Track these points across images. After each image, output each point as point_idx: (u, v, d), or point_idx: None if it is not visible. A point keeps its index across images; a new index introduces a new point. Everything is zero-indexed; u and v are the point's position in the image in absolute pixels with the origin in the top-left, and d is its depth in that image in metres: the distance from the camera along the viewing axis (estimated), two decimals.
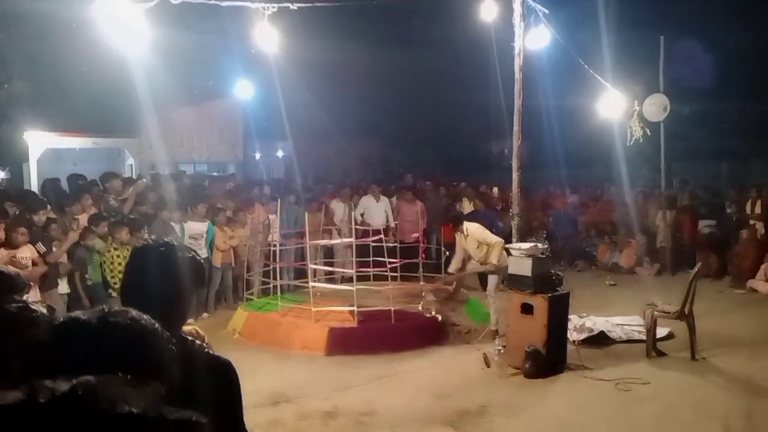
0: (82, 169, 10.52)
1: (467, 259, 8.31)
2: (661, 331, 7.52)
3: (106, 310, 1.20)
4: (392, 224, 11.31)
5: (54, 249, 6.98)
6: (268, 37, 7.30)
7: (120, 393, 0.83)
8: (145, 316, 1.23)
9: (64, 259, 7.14)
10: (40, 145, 14.71)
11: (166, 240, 2.12)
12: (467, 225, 8.23)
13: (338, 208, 11.71)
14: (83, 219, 7.87)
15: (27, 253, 6.65)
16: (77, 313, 1.20)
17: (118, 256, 7.35)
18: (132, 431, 0.80)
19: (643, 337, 7.33)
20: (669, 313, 7.18)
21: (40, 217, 7.32)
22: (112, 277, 7.30)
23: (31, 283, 6.51)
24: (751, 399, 5.91)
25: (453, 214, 9.27)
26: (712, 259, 11.49)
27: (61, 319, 1.19)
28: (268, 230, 9.97)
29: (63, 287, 7.23)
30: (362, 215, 11.57)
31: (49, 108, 14.03)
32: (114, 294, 7.16)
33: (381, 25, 15.82)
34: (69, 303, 7.27)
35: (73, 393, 0.81)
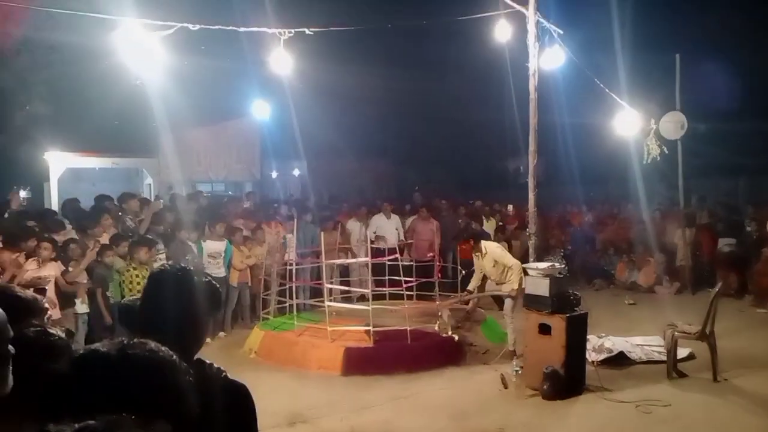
0: (101, 189, 10.65)
1: (486, 278, 8.29)
2: (682, 352, 7.42)
3: (125, 342, 1.21)
4: (402, 241, 11.30)
5: (71, 269, 7.06)
6: (283, 62, 7.40)
7: None
8: (163, 348, 1.24)
9: (84, 278, 7.21)
10: (61, 165, 14.93)
11: (182, 265, 2.15)
12: (486, 243, 8.24)
13: (354, 227, 11.74)
14: (104, 239, 7.97)
15: (51, 271, 6.74)
16: (97, 345, 1.21)
17: (137, 276, 7.46)
18: None
19: (664, 358, 7.23)
20: (690, 333, 7.09)
21: (60, 237, 7.44)
22: (132, 296, 7.38)
23: (56, 302, 6.61)
24: None
25: (471, 232, 9.30)
26: (732, 278, 11.34)
27: (81, 351, 1.21)
28: (283, 249, 10.02)
29: (82, 307, 7.27)
30: (374, 233, 11.58)
31: (69, 128, 14.27)
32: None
33: (395, 47, 15.96)
34: (90, 322, 7.34)
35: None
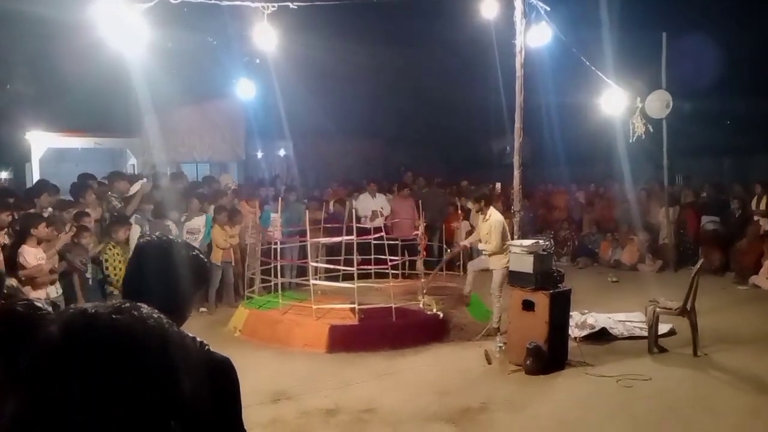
0: (84, 169, 10.51)
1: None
2: (663, 328, 7.51)
3: (117, 304, 1.17)
4: (376, 215, 11.29)
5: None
6: (267, 37, 7.30)
7: None
8: (156, 314, 1.20)
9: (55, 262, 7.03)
10: (42, 145, 14.74)
11: (169, 237, 2.12)
12: (493, 211, 8.17)
13: (340, 208, 11.70)
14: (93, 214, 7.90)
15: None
16: (87, 306, 1.17)
17: (118, 254, 7.42)
18: None
19: (645, 334, 7.31)
20: (671, 309, 7.17)
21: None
22: (115, 275, 7.37)
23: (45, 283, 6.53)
24: (757, 395, 5.89)
25: (483, 194, 9.24)
26: (715, 256, 11.47)
27: (70, 310, 1.16)
28: (260, 227, 9.99)
29: (53, 291, 6.78)
30: (356, 211, 11.54)
31: (50, 108, 14.07)
32: (115, 291, 7.21)
33: (381, 23, 15.79)
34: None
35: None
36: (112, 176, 9.43)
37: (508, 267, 7.45)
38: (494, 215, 8.04)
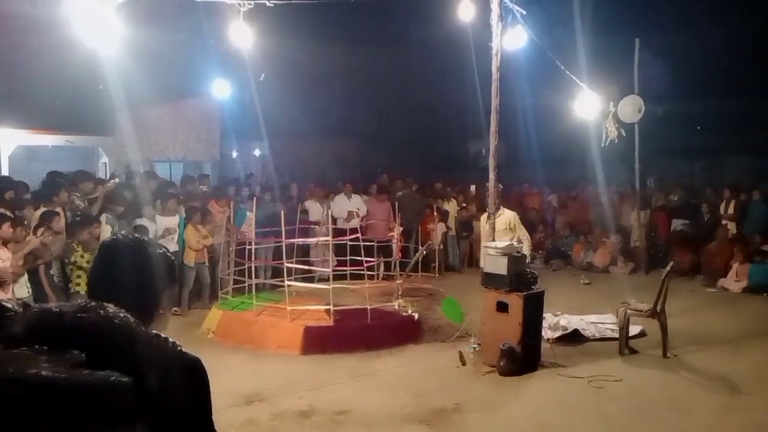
0: (56, 168, 10.33)
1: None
2: (634, 329, 7.62)
3: (82, 303, 1.15)
4: (362, 221, 11.29)
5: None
6: (243, 35, 7.25)
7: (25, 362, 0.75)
8: (122, 313, 1.18)
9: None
10: (11, 142, 14.45)
11: (136, 235, 2.09)
12: (504, 209, 8.04)
13: (314, 207, 11.68)
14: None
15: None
16: (51, 305, 1.15)
17: (83, 258, 7.29)
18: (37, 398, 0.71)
19: (617, 335, 7.41)
20: (641, 311, 7.28)
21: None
22: (78, 276, 7.25)
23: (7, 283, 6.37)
24: (727, 395, 6.00)
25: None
26: (684, 258, 11.66)
27: (34, 309, 1.14)
28: (233, 227, 9.92)
29: (21, 290, 6.61)
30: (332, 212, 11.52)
31: (20, 105, 13.77)
32: (79, 290, 7.09)
33: (358, 23, 15.76)
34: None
35: None
36: (77, 176, 9.26)
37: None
38: (507, 211, 8.03)
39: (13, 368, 0.68)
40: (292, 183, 13.79)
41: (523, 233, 7.91)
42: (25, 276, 6.72)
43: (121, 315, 1.15)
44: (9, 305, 2.19)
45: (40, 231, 7.03)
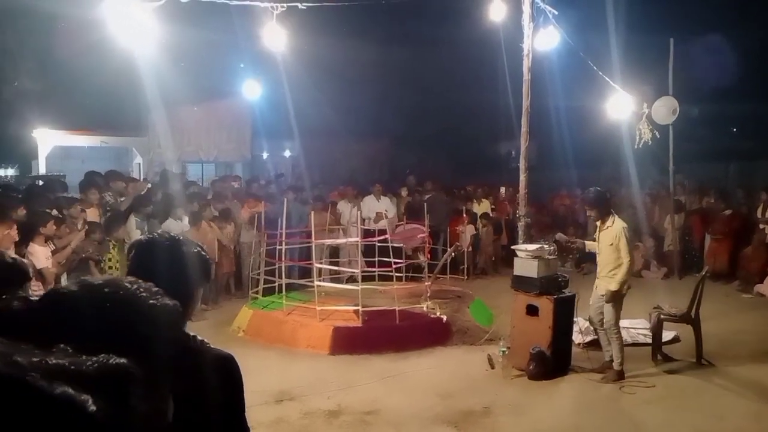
0: (90, 167, 10.57)
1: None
2: (667, 335, 7.48)
3: (101, 280, 1.16)
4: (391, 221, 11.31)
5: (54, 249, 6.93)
6: (276, 37, 7.31)
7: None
8: (144, 285, 1.18)
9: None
10: (49, 142, 14.81)
11: (172, 234, 2.12)
12: (617, 218, 6.62)
13: (345, 208, 11.72)
14: (91, 212, 7.92)
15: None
16: (67, 284, 1.16)
17: (116, 253, 7.50)
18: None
19: (649, 341, 7.29)
20: (675, 316, 7.14)
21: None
22: (114, 273, 7.44)
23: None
24: (760, 402, 5.87)
25: (599, 194, 6.84)
26: (720, 263, 11.42)
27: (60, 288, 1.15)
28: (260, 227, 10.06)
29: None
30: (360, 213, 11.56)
31: (57, 105, 14.13)
32: None
33: (389, 24, 15.81)
34: None
35: None
36: (109, 175, 9.46)
37: (624, 293, 6.42)
38: (618, 223, 6.54)
39: (23, 358, 0.69)
40: (321, 185, 13.86)
41: (626, 256, 6.40)
42: (64, 276, 6.91)
43: (144, 286, 1.16)
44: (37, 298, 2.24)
45: (80, 226, 7.21)
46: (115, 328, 1.01)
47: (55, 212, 7.46)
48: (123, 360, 0.79)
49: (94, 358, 0.75)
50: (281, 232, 8.55)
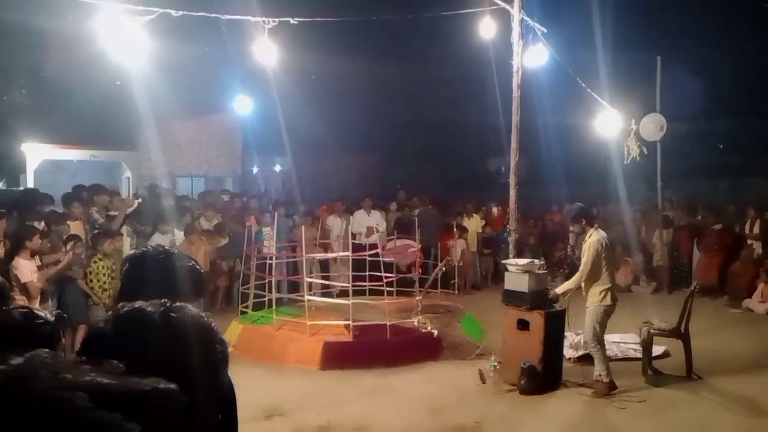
0: (80, 182, 10.50)
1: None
2: (657, 349, 7.50)
3: (167, 304, 1.18)
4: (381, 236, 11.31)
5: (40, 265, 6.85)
6: (268, 52, 7.34)
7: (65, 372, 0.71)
8: (203, 314, 1.22)
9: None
10: (37, 156, 14.74)
11: (165, 248, 2.11)
12: (595, 231, 6.68)
13: (334, 223, 11.71)
14: (75, 226, 7.88)
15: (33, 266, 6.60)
16: (140, 304, 1.18)
17: (103, 267, 7.45)
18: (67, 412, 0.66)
19: (639, 355, 7.30)
20: (665, 330, 7.17)
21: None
22: (100, 287, 7.39)
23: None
24: (750, 417, 5.88)
25: (581, 210, 7.17)
26: (709, 278, 11.49)
27: (125, 308, 1.17)
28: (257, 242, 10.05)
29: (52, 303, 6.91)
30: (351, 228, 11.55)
31: (47, 120, 14.06)
32: (101, 302, 7.24)
33: (380, 40, 15.91)
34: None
35: (9, 374, 0.67)
36: (93, 189, 9.37)
37: (606, 305, 6.45)
38: (594, 236, 6.61)
39: (72, 375, 0.68)
40: (312, 201, 13.85)
41: (585, 265, 6.55)
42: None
43: (204, 315, 1.20)
44: (40, 313, 2.23)
45: (70, 245, 7.16)
46: (170, 354, 1.04)
47: (42, 226, 7.42)
48: (173, 385, 0.79)
49: (146, 381, 0.74)
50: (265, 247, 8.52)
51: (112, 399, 0.66)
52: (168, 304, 1.19)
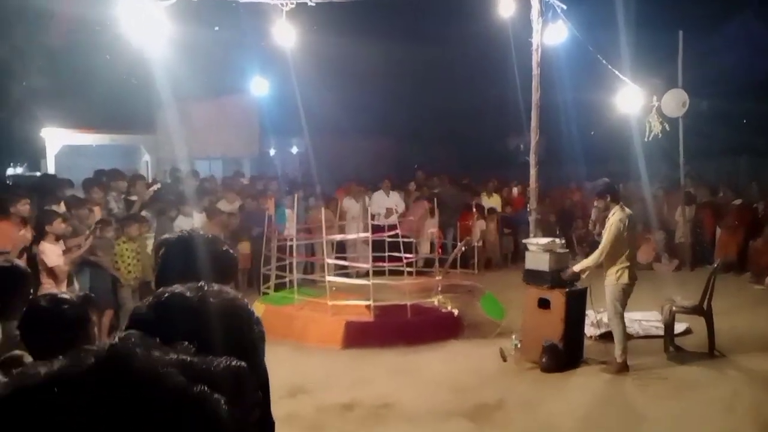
0: (100, 166, 10.61)
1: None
2: (679, 327, 7.48)
3: (205, 287, 1.22)
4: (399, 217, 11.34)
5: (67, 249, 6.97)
6: (286, 34, 7.34)
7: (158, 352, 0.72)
8: (239, 295, 1.26)
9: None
10: (58, 141, 14.89)
11: (198, 232, 2.16)
12: (617, 209, 6.57)
13: (352, 205, 11.74)
14: (97, 212, 8.00)
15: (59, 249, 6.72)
16: (179, 289, 1.21)
17: (128, 249, 7.59)
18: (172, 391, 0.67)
19: (661, 333, 7.29)
20: (687, 308, 7.14)
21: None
22: (126, 269, 7.51)
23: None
24: None
25: (606, 185, 6.91)
26: (730, 255, 11.40)
27: (165, 294, 1.20)
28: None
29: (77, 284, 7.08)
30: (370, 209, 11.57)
31: (66, 104, 14.18)
32: (127, 284, 7.39)
33: (397, 21, 15.80)
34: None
35: (114, 352, 0.69)
36: (111, 174, 9.45)
37: (624, 284, 6.43)
38: (618, 213, 6.54)
39: (160, 354, 0.71)
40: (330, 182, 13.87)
41: (605, 244, 6.48)
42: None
43: (240, 296, 1.27)
44: (66, 296, 2.28)
45: (91, 230, 7.28)
46: (210, 335, 1.07)
47: (63, 209, 7.53)
48: (243, 363, 0.82)
49: (220, 359, 0.77)
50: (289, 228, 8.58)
51: (196, 376, 0.68)
52: (205, 288, 1.22)
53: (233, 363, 0.79)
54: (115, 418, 0.62)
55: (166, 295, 1.21)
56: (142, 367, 0.67)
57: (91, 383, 0.64)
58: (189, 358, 0.72)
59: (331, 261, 8.70)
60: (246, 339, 1.19)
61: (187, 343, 0.76)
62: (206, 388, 0.68)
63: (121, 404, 0.63)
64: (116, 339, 0.72)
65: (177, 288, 1.23)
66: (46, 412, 0.62)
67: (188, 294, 1.20)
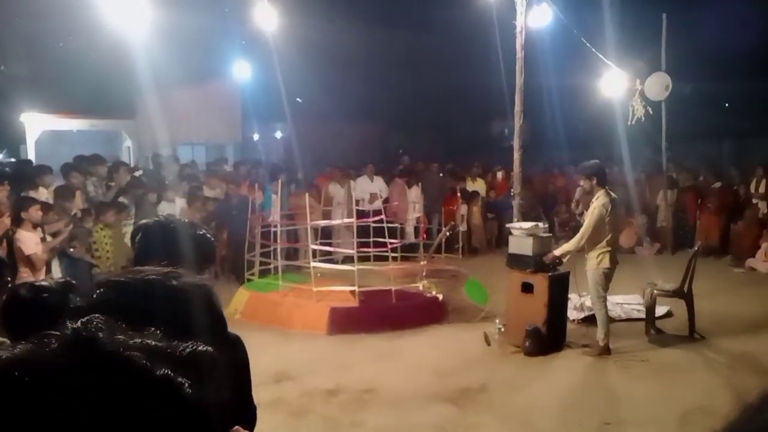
0: (81, 152, 10.46)
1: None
2: (660, 310, 7.56)
3: (168, 270, 1.20)
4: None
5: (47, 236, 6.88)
6: (268, 17, 7.26)
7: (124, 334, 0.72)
8: (203, 279, 1.24)
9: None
10: (38, 126, 14.65)
11: (176, 217, 2.14)
12: (602, 193, 6.52)
13: (336, 190, 11.70)
14: (78, 197, 7.92)
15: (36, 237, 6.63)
16: (142, 271, 1.19)
17: (105, 236, 7.52)
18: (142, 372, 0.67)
19: (643, 316, 7.37)
20: (668, 291, 7.22)
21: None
22: (101, 255, 7.48)
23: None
24: (752, 376, 5.93)
25: (596, 167, 6.73)
26: (712, 238, 11.52)
27: (128, 276, 1.18)
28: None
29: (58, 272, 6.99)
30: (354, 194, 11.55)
31: (46, 89, 13.94)
32: (106, 270, 7.34)
33: (381, 5, 15.69)
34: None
35: (77, 335, 0.68)
36: (91, 160, 9.33)
37: (605, 268, 6.43)
38: (601, 198, 6.50)
39: (124, 338, 0.70)
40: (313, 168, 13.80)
41: (586, 228, 6.46)
42: (55, 262, 6.89)
43: (193, 277, 1.21)
44: (45, 284, 2.25)
45: (68, 219, 7.18)
46: (174, 318, 1.05)
47: (45, 197, 7.43)
48: (209, 348, 0.80)
49: (186, 344, 0.76)
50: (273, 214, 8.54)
51: (161, 360, 0.67)
52: (168, 271, 1.20)
53: (199, 348, 0.77)
54: (78, 401, 0.61)
55: (127, 277, 1.19)
56: (106, 350, 0.66)
57: (54, 367, 0.64)
58: (153, 342, 0.71)
59: (315, 247, 8.67)
60: (212, 320, 1.18)
61: (153, 328, 0.75)
62: (170, 372, 0.67)
63: (85, 387, 0.62)
64: (79, 323, 0.70)
65: (141, 270, 1.21)
66: (7, 396, 0.61)
67: (151, 277, 1.18)
